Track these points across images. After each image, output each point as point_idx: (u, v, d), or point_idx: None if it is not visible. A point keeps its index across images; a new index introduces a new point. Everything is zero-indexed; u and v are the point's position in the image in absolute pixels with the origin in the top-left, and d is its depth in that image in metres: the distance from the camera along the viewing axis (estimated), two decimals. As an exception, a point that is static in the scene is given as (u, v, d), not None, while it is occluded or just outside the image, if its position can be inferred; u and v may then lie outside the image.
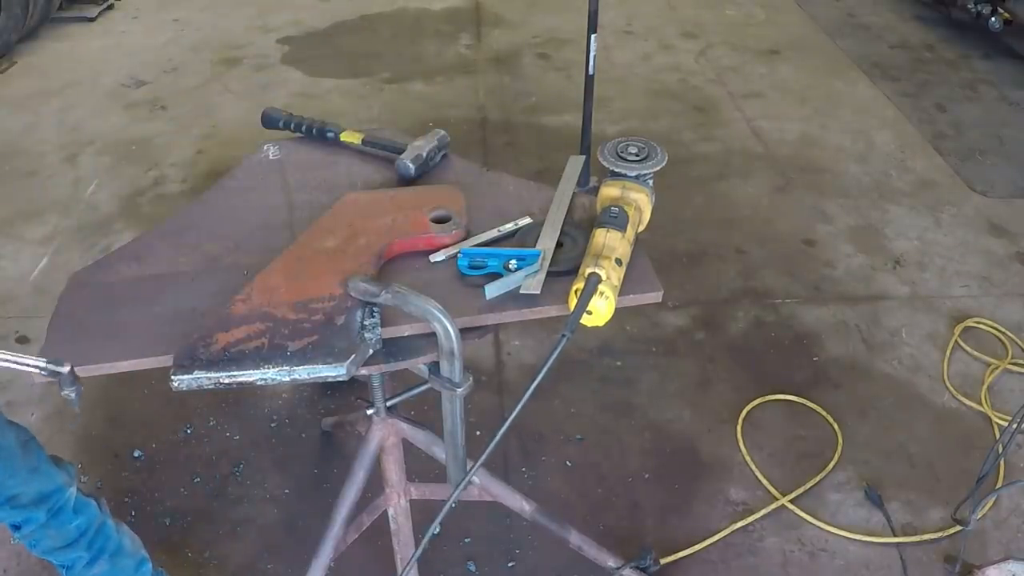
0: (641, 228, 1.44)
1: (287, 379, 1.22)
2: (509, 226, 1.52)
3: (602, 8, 3.30)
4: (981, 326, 2.80)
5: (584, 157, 1.65)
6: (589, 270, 1.27)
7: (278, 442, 2.42)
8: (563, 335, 1.19)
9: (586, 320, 1.26)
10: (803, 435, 2.44)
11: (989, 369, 2.63)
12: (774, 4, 5.54)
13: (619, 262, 1.30)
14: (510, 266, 1.38)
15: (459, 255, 1.42)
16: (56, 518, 1.65)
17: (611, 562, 1.95)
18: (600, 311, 1.25)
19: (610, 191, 1.42)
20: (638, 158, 1.44)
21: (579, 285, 1.27)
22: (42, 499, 1.61)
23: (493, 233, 1.49)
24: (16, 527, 1.64)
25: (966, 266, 3.11)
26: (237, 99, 4.39)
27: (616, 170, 1.44)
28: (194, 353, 1.22)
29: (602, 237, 1.33)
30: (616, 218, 1.35)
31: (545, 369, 1.16)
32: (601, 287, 1.24)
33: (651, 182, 1.46)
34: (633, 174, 1.43)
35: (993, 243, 3.24)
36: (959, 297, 2.96)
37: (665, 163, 1.45)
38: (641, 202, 1.41)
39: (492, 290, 1.34)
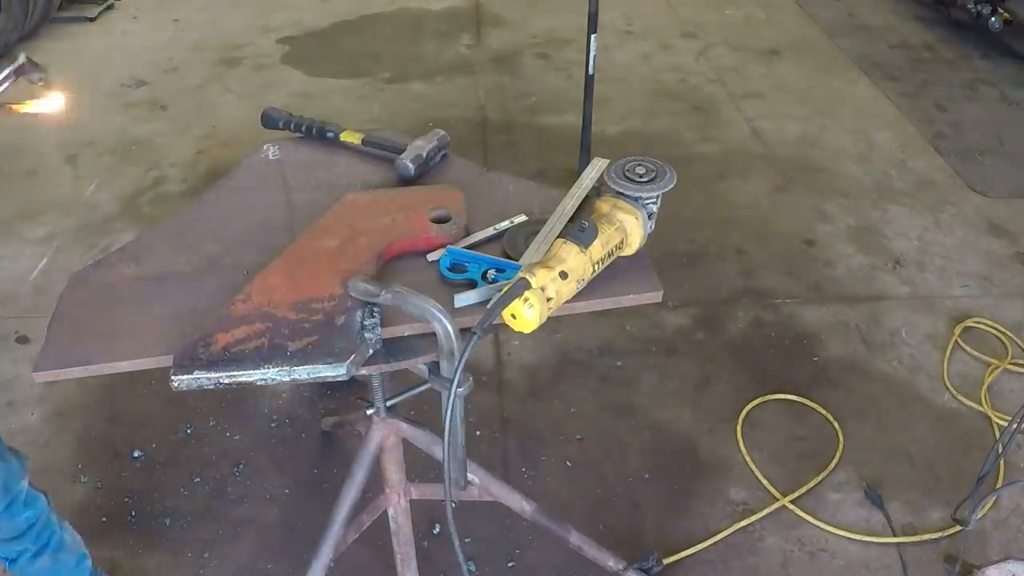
0: (629, 251, 1.40)
1: (287, 379, 1.22)
2: (505, 224, 1.52)
3: (602, 8, 3.30)
4: (981, 326, 2.80)
5: (607, 161, 1.61)
6: (522, 274, 1.24)
7: (278, 442, 2.42)
8: (473, 333, 1.17)
9: (512, 324, 1.23)
10: (803, 435, 2.44)
11: (989, 369, 2.63)
12: (774, 4, 5.54)
13: (564, 275, 1.27)
14: (488, 275, 1.38)
15: (445, 253, 1.42)
16: (8, 510, 1.63)
17: (611, 562, 1.95)
18: (525, 317, 1.21)
19: (602, 206, 1.40)
20: (643, 180, 1.41)
21: (508, 287, 1.24)
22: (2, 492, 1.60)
23: (489, 231, 1.50)
24: None
25: (966, 266, 3.11)
26: (237, 99, 4.39)
27: (615, 188, 1.41)
28: (194, 353, 1.22)
29: (557, 248, 1.30)
30: (582, 232, 1.31)
31: (460, 364, 1.15)
32: (527, 294, 1.21)
33: (653, 207, 1.42)
34: (633, 195, 1.40)
35: (993, 243, 3.24)
36: (959, 297, 2.96)
37: (668, 189, 1.39)
38: (628, 224, 1.37)
39: (462, 300, 1.33)
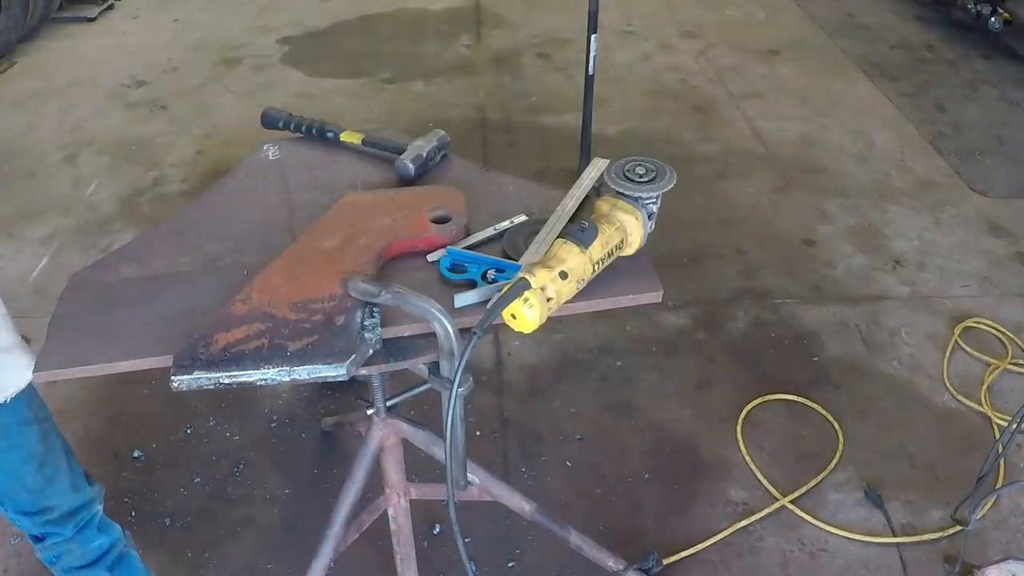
0: (629, 251, 1.40)
1: (287, 379, 1.22)
2: (505, 224, 1.52)
3: (602, 8, 3.30)
4: (981, 326, 2.80)
5: (607, 161, 1.61)
6: (522, 274, 1.24)
7: (278, 442, 2.42)
8: (474, 333, 1.17)
9: (512, 324, 1.23)
10: (803, 435, 2.44)
11: (989, 369, 2.63)
12: (774, 4, 5.54)
13: (564, 275, 1.26)
14: (488, 276, 1.38)
15: (445, 253, 1.42)
16: (81, 534, 1.62)
17: (611, 562, 1.95)
18: (525, 317, 1.21)
19: (602, 206, 1.40)
20: (643, 180, 1.41)
21: (508, 287, 1.23)
22: (72, 513, 1.60)
23: (489, 231, 1.50)
24: (38, 539, 1.61)
25: (966, 266, 3.11)
26: (237, 99, 4.39)
27: (615, 188, 1.41)
28: (194, 353, 1.22)
29: (557, 248, 1.30)
30: (583, 232, 1.31)
31: (461, 365, 1.15)
32: (527, 294, 1.21)
33: (653, 207, 1.41)
34: (633, 195, 1.39)
35: (993, 243, 3.24)
36: (959, 297, 2.96)
37: (668, 189, 1.39)
38: (628, 224, 1.37)
39: (462, 300, 1.33)
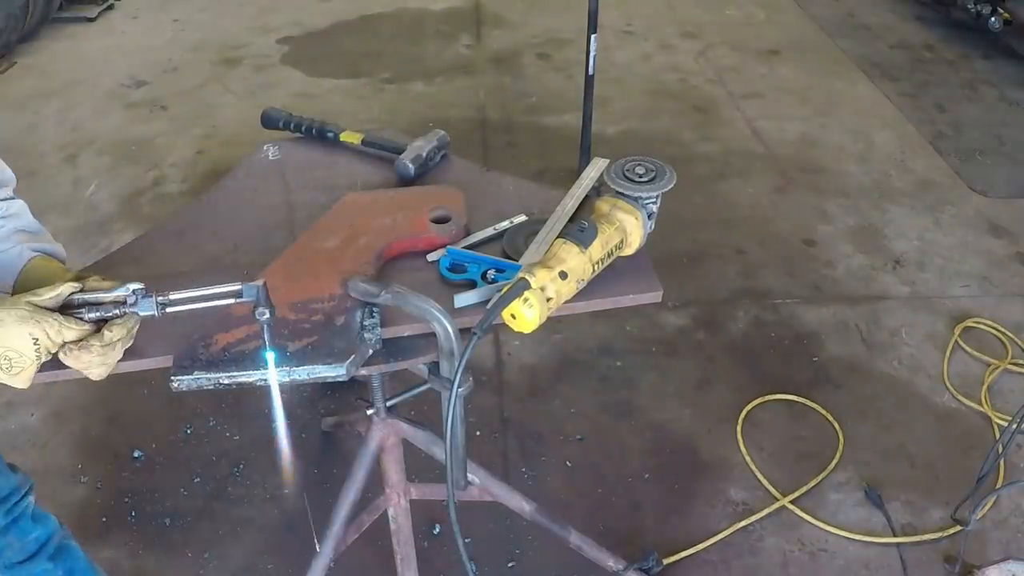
0: (628, 251, 1.40)
1: (287, 379, 1.22)
2: (505, 224, 1.52)
3: (602, 8, 3.30)
4: (981, 326, 2.80)
5: (607, 161, 1.60)
6: (522, 274, 1.25)
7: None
8: (474, 333, 1.17)
9: (512, 324, 1.23)
10: (803, 435, 2.43)
11: (989, 369, 2.63)
12: (774, 4, 5.54)
13: (564, 275, 1.27)
14: (488, 276, 1.38)
15: (445, 253, 1.42)
16: (16, 525, 1.61)
17: (611, 562, 1.95)
18: (524, 318, 1.21)
19: (602, 206, 1.40)
20: (643, 180, 1.41)
21: (508, 287, 1.24)
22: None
23: (489, 231, 1.50)
24: None
25: (966, 266, 3.11)
26: (237, 99, 4.39)
27: (615, 188, 1.41)
28: (194, 353, 1.22)
29: (557, 248, 1.31)
30: (582, 232, 1.31)
31: (461, 365, 1.15)
32: (527, 294, 1.21)
33: (653, 207, 1.41)
34: (633, 195, 1.39)
35: (993, 243, 3.24)
36: (959, 297, 2.96)
37: (668, 189, 1.39)
38: (628, 224, 1.37)
39: (462, 300, 1.33)
